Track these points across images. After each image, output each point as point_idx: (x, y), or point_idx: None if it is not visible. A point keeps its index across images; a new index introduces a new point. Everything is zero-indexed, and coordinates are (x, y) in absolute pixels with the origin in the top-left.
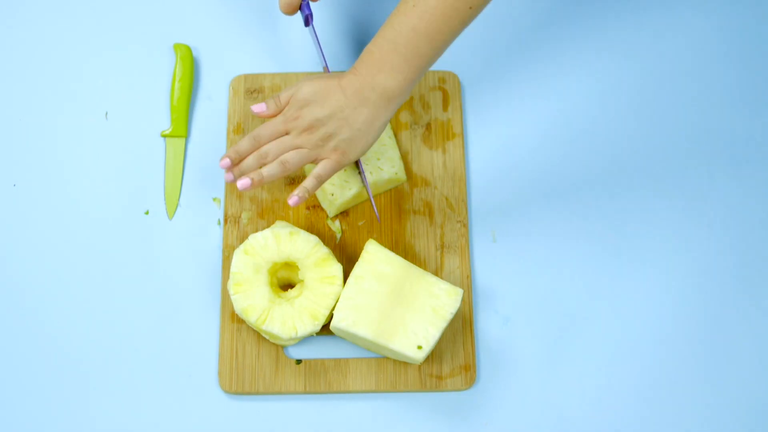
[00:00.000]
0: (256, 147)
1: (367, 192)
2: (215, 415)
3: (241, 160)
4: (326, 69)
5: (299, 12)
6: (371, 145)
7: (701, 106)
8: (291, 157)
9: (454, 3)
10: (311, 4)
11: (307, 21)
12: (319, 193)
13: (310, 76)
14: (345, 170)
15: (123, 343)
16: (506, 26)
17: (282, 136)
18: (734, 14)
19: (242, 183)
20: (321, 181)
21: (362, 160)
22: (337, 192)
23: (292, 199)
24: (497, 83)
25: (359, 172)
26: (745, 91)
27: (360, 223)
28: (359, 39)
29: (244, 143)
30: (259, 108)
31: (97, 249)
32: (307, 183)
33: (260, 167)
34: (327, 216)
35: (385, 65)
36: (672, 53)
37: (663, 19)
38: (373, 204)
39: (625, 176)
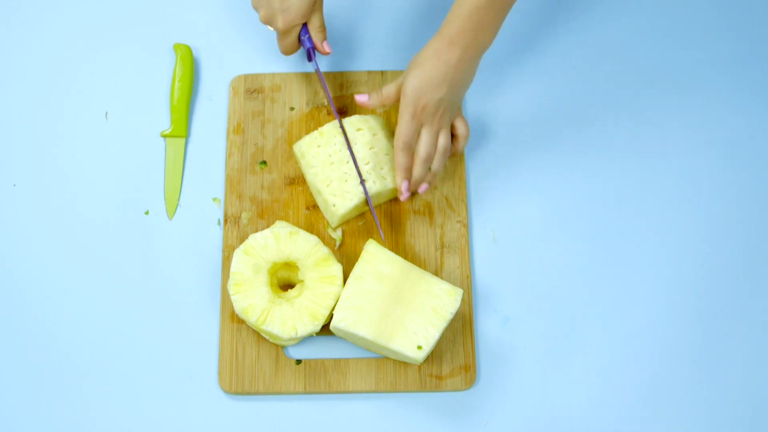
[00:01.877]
0: (411, 154)
1: (369, 206)
2: (215, 415)
3: (408, 173)
4: (332, 108)
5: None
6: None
7: (701, 105)
8: (442, 144)
9: None
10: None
11: (309, 56)
12: (320, 204)
13: (412, 66)
14: (346, 180)
15: (123, 343)
16: (506, 26)
17: (418, 130)
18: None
19: (422, 188)
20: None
21: (365, 169)
22: (339, 203)
23: (423, 188)
24: (497, 84)
25: (363, 189)
26: (745, 91)
27: (360, 224)
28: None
29: (402, 158)
30: (361, 98)
31: (97, 249)
32: (438, 163)
33: (429, 170)
34: (328, 225)
35: (484, 24)
36: (675, 52)
37: (666, 15)
38: (376, 220)
39: (627, 178)
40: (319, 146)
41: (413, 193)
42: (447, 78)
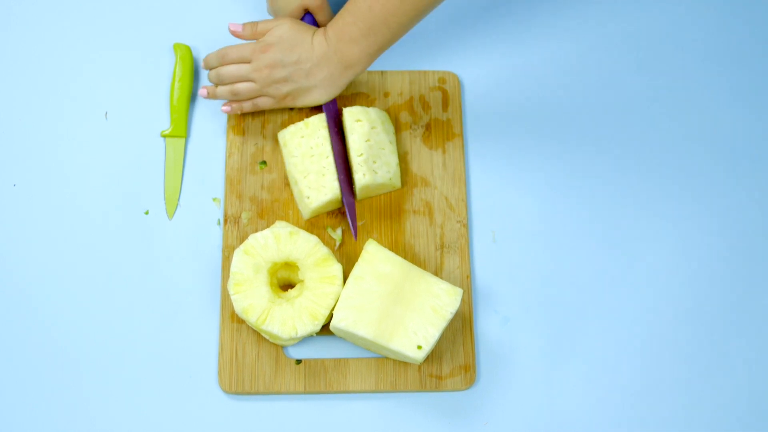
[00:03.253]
0: (221, 64)
1: (344, 205)
2: (215, 415)
3: (207, 65)
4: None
5: None
6: (317, 102)
7: (701, 105)
8: (242, 88)
9: None
10: None
11: None
12: (295, 194)
13: (292, 19)
14: (324, 175)
15: (123, 343)
16: (506, 26)
17: (245, 62)
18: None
19: (224, 109)
20: (257, 109)
21: (357, 161)
22: (313, 195)
23: (225, 107)
24: (497, 83)
25: (340, 186)
26: (746, 89)
27: (360, 223)
28: None
29: (213, 57)
30: (235, 27)
31: (97, 249)
32: (245, 104)
33: (220, 84)
34: (328, 225)
35: (345, 35)
36: (674, 51)
37: (665, 17)
38: (351, 220)
39: (625, 177)
40: (302, 137)
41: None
42: (304, 55)
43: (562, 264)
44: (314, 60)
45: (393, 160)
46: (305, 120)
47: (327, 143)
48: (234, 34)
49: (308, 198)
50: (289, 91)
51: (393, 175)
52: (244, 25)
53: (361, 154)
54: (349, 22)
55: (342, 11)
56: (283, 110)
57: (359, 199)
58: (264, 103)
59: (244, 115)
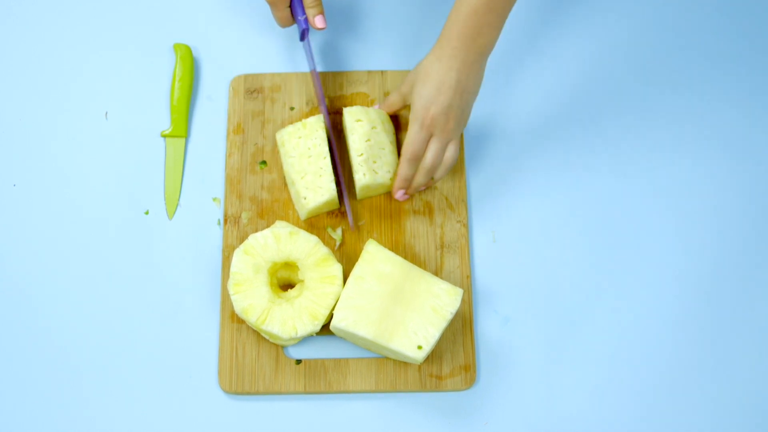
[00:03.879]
0: (417, 165)
1: (342, 197)
2: (215, 415)
3: (409, 183)
4: (319, 99)
5: (296, 25)
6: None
7: (701, 107)
8: (449, 156)
9: None
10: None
11: (303, 35)
12: (293, 195)
13: (417, 76)
14: (321, 176)
15: (123, 343)
16: (506, 26)
17: (427, 141)
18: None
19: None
20: (450, 166)
21: (358, 160)
22: (310, 196)
23: (400, 195)
24: (497, 83)
25: (337, 180)
26: (746, 88)
27: (360, 223)
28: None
29: (407, 169)
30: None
31: (97, 249)
32: (440, 173)
33: (431, 179)
34: (328, 225)
35: (483, 26)
36: (672, 53)
37: (665, 17)
38: (348, 212)
39: (626, 177)
40: (300, 137)
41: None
42: (453, 84)
43: (562, 264)
44: (461, 74)
45: (393, 159)
46: (303, 121)
47: (324, 144)
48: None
49: (305, 198)
50: (465, 120)
51: (393, 174)
52: (380, 105)
53: (362, 154)
54: (484, 11)
55: (464, 5)
56: (283, 109)
57: (359, 198)
58: (456, 150)
59: (244, 115)
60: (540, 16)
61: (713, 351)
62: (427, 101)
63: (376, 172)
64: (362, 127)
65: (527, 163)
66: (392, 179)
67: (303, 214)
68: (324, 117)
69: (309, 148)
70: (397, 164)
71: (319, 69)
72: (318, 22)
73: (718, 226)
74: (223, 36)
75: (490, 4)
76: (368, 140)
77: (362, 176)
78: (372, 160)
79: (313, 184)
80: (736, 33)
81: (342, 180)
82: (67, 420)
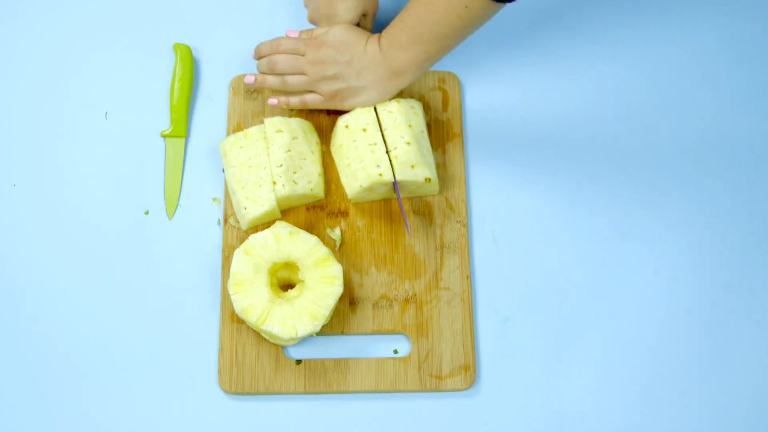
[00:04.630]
0: (273, 52)
1: (400, 206)
2: (215, 415)
3: (260, 59)
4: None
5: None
6: (364, 105)
7: (701, 106)
8: (293, 80)
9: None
10: None
11: None
12: (234, 205)
13: (347, 24)
14: (261, 186)
15: (123, 343)
16: (506, 26)
17: (298, 54)
18: (736, 20)
19: (270, 101)
20: (305, 106)
21: (277, 172)
22: (250, 206)
23: (272, 100)
24: (497, 83)
25: (396, 194)
26: (747, 95)
27: (360, 224)
28: None
29: (265, 45)
30: (292, 32)
31: (97, 249)
32: (293, 99)
33: (270, 73)
34: (327, 225)
35: (395, 41)
36: (671, 53)
37: (663, 18)
38: (405, 220)
39: (625, 176)
40: (241, 147)
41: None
42: (356, 56)
43: (562, 264)
44: (365, 62)
45: (315, 170)
46: (244, 131)
47: (265, 154)
48: (288, 35)
49: (245, 209)
50: (339, 89)
51: (315, 185)
52: (300, 32)
53: (281, 165)
54: (399, 29)
55: (395, 19)
56: (283, 109)
57: (282, 209)
58: (312, 100)
59: (244, 115)
60: (540, 16)
61: (713, 351)
62: (331, 40)
63: (296, 183)
64: (282, 138)
65: (527, 163)
66: (313, 190)
67: (244, 224)
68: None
69: (249, 158)
70: (320, 174)
71: None
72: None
73: (719, 226)
74: (223, 36)
75: (405, 26)
76: (288, 151)
77: (281, 187)
78: (292, 170)
79: (253, 194)
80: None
81: (397, 189)
82: (67, 420)
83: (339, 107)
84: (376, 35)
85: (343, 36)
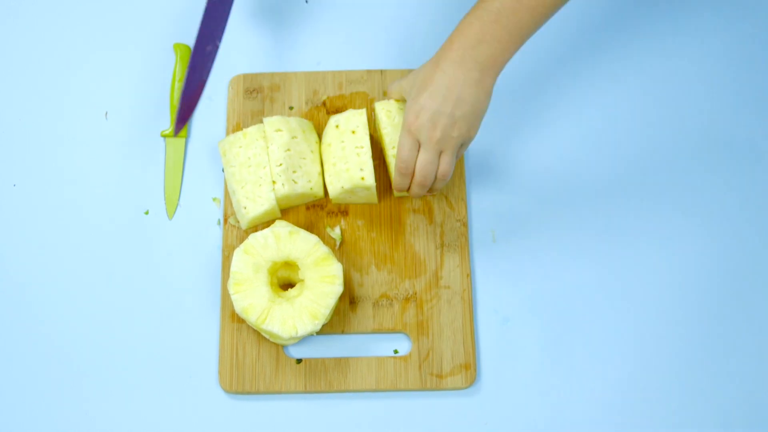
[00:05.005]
0: (410, 175)
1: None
2: (215, 415)
3: (402, 190)
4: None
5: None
6: (484, 114)
7: (702, 112)
8: (446, 171)
9: None
10: None
11: None
12: (234, 205)
13: (414, 77)
14: (260, 185)
15: (123, 343)
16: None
17: (416, 149)
18: (740, 32)
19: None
20: (449, 177)
21: (276, 171)
22: (250, 206)
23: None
24: (497, 83)
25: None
26: (748, 97)
27: (359, 223)
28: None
29: (399, 179)
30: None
31: (97, 249)
32: (437, 185)
33: (428, 189)
34: (328, 224)
35: (486, 36)
36: (672, 59)
37: (666, 26)
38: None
39: (625, 177)
40: (240, 147)
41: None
42: (444, 91)
43: (562, 264)
44: (456, 81)
45: (314, 169)
46: (244, 130)
47: (264, 153)
48: (403, 167)
49: (245, 208)
50: (460, 127)
51: (314, 184)
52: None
53: (281, 164)
54: (489, 21)
55: (474, 14)
56: (282, 109)
57: (281, 208)
58: (449, 164)
59: (244, 114)
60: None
61: (713, 351)
62: (417, 106)
63: (295, 182)
64: (281, 137)
65: (527, 162)
66: (313, 189)
67: (244, 223)
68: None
69: (249, 158)
70: (320, 174)
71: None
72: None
73: (720, 227)
74: (223, 36)
75: (497, 16)
76: (288, 150)
77: (281, 186)
78: (291, 170)
79: (252, 193)
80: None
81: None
82: (67, 420)
83: (471, 139)
84: (439, 53)
85: (417, 87)
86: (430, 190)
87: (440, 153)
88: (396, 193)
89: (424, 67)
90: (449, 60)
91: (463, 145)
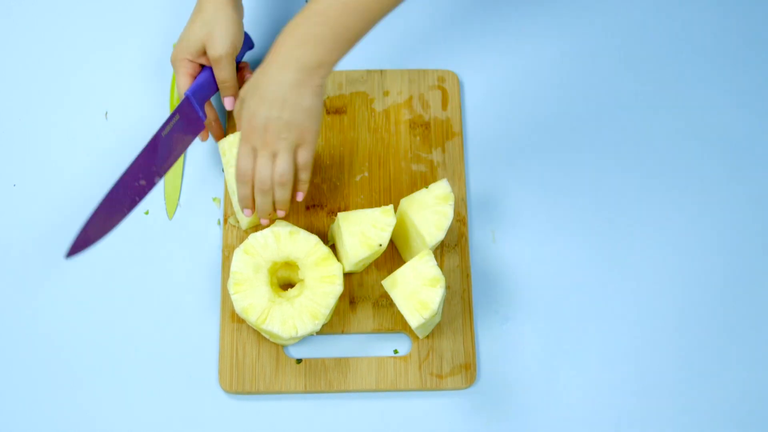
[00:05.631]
0: (250, 183)
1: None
2: (215, 415)
3: (250, 203)
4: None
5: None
6: (318, 114)
7: (703, 106)
8: (281, 171)
9: None
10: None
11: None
12: (234, 205)
13: (247, 86)
14: None
15: (123, 343)
16: (506, 26)
17: (255, 154)
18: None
19: (279, 214)
20: (310, 166)
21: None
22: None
23: (299, 196)
24: (497, 82)
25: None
26: (751, 90)
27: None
28: None
29: (240, 188)
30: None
31: (97, 249)
32: (302, 176)
33: (272, 197)
34: (325, 225)
35: (310, 38)
36: (673, 49)
37: (666, 16)
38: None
39: (625, 177)
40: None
41: (271, 219)
42: (271, 96)
43: (562, 264)
44: (282, 85)
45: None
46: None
47: None
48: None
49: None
50: (297, 127)
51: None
52: (240, 154)
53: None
54: (316, 22)
55: (302, 15)
56: None
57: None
58: (282, 165)
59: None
60: (540, 15)
61: (714, 349)
62: (249, 113)
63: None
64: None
65: (527, 162)
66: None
67: (244, 224)
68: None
69: None
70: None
71: None
72: (227, 103)
73: (721, 226)
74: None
75: (323, 17)
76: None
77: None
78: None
79: None
80: (734, 34)
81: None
82: (67, 420)
83: (314, 137)
84: (268, 56)
85: (249, 97)
86: (275, 204)
87: (275, 156)
88: (246, 223)
89: (256, 71)
90: (274, 63)
91: (301, 146)
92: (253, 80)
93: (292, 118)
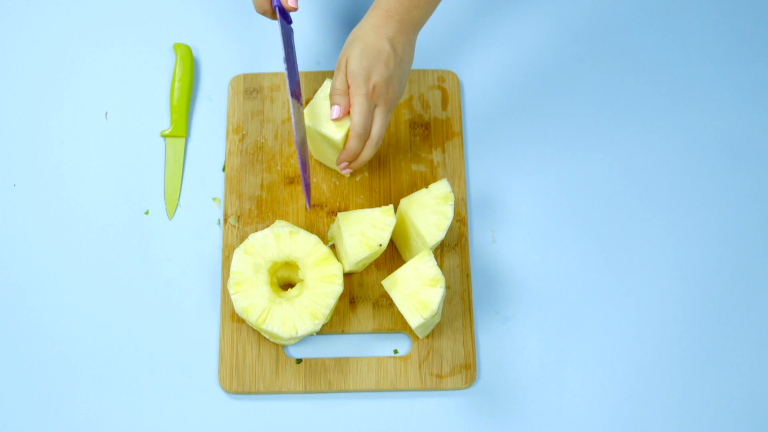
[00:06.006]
0: (365, 138)
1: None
2: (215, 415)
3: (356, 157)
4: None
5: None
6: (406, 79)
7: (706, 103)
8: (379, 126)
9: None
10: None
11: (277, 13)
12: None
13: (352, 45)
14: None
15: (123, 343)
16: (506, 26)
17: (373, 112)
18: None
19: (347, 173)
20: (381, 138)
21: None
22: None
23: (346, 171)
24: (497, 82)
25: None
26: (751, 94)
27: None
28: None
29: (356, 143)
30: (335, 113)
31: (97, 249)
32: (365, 154)
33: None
34: (325, 225)
35: (420, 1)
36: (679, 54)
37: (672, 17)
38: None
39: (626, 178)
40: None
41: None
42: (391, 54)
43: (561, 263)
44: (398, 44)
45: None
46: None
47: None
48: (339, 118)
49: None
50: (401, 90)
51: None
52: (333, 104)
53: None
54: None
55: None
56: (282, 108)
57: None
58: (384, 120)
59: (244, 114)
60: (540, 15)
61: (714, 350)
62: (367, 71)
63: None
64: None
65: (527, 162)
66: None
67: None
68: (291, 104)
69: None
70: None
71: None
72: (291, 1)
73: (721, 226)
74: (223, 36)
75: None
76: None
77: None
78: None
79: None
80: (737, 30)
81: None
82: (67, 420)
83: (399, 100)
84: (374, 16)
85: (361, 55)
86: (360, 156)
87: (389, 112)
88: (340, 168)
89: (361, 32)
90: (388, 22)
91: (394, 103)
92: (359, 38)
93: (402, 73)
